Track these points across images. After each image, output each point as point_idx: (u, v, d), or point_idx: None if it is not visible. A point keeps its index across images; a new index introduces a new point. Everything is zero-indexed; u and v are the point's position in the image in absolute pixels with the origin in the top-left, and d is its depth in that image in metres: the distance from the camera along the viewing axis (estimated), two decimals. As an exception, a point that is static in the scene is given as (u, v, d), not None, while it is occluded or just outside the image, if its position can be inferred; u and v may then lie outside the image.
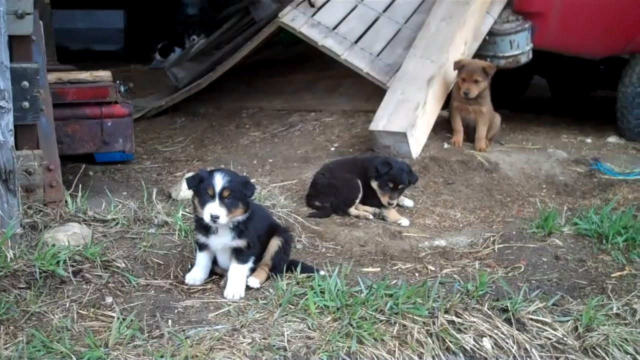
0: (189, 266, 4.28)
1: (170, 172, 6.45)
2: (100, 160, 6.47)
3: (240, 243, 4.02)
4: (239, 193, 3.92)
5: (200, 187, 3.92)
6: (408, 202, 5.77)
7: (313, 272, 4.17)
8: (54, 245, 4.13)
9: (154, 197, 5.20)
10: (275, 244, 4.18)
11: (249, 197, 4.02)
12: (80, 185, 5.07)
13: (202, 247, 4.12)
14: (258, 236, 4.10)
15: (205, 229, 4.04)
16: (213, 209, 3.86)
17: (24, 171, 4.61)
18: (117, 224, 4.67)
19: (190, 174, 4.14)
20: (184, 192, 5.36)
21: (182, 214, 4.82)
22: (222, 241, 4.03)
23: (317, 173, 5.69)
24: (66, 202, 4.77)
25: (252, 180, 5.00)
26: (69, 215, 4.63)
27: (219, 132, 7.84)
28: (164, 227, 4.70)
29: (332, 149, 6.93)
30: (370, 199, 5.51)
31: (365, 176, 5.53)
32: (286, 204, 5.35)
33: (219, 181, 3.87)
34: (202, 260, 4.17)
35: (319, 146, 7.03)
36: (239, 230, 4.01)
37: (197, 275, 4.19)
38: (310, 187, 5.64)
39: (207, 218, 3.88)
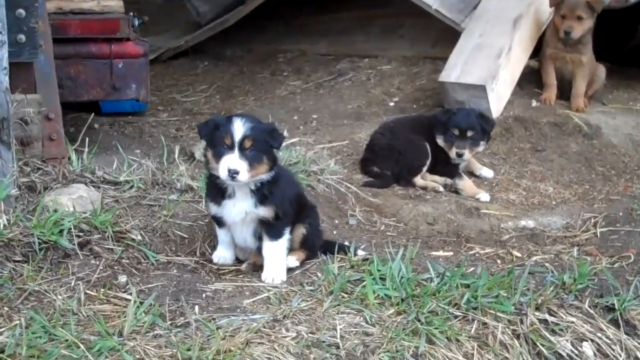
0: (217, 242, 4.29)
1: (191, 127, 6.48)
2: (108, 110, 6.49)
3: (266, 212, 3.98)
4: (263, 143, 3.85)
5: (216, 136, 3.84)
6: (487, 172, 5.74)
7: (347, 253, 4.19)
8: (55, 211, 4.15)
9: (176, 156, 5.22)
10: (299, 232, 4.16)
11: (276, 149, 3.97)
12: (87, 140, 5.10)
13: (220, 221, 4.11)
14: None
15: (219, 192, 3.98)
16: (231, 162, 3.78)
17: (18, 119, 4.63)
18: (131, 187, 4.69)
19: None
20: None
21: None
22: (241, 208, 3.97)
23: (374, 133, 5.68)
24: (69, 159, 4.80)
25: (294, 140, 5.00)
26: (73, 175, 4.65)
27: (251, 80, 7.83)
28: (188, 193, 4.72)
29: (391, 104, 6.88)
30: (442, 165, 5.52)
31: (433, 138, 5.55)
32: (336, 170, 5.35)
33: (239, 128, 3.80)
34: (225, 237, 4.17)
35: (375, 100, 6.99)
36: (261, 194, 3.95)
37: (224, 253, 4.20)
38: (366, 150, 5.64)
39: (223, 173, 3.80)
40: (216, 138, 3.85)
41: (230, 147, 3.81)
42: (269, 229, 4.01)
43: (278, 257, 4.03)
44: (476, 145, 5.52)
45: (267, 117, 6.46)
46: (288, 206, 4.05)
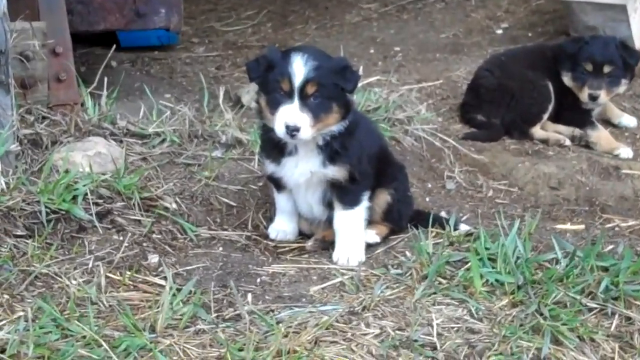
0: (274, 211, 4.31)
1: (236, 65, 6.49)
2: (128, 44, 6.55)
3: (338, 172, 3.98)
4: (332, 87, 3.86)
5: (269, 78, 3.86)
6: (629, 120, 5.70)
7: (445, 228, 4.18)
8: (67, 172, 4.19)
9: (220, 100, 5.23)
10: (383, 199, 4.17)
11: (350, 93, 3.96)
12: (104, 81, 5.13)
13: (278, 184, 4.13)
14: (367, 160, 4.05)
15: (276, 148, 4.00)
16: (290, 115, 3.79)
17: (18, 54, 4.69)
18: (162, 141, 4.73)
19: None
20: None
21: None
22: (306, 168, 3.98)
23: (479, 69, 5.64)
24: (83, 105, 4.84)
25: (373, 79, 4.98)
26: (88, 125, 4.70)
27: (312, 3, 7.82)
28: (236, 148, 4.75)
29: (499, 31, 6.85)
30: (569, 111, 5.47)
31: (557, 75, 5.51)
32: (428, 118, 5.32)
33: (299, 68, 3.81)
34: (285, 204, 4.19)
35: (477, 27, 6.95)
36: (332, 150, 3.95)
37: (283, 226, 4.22)
38: (468, 93, 5.62)
39: (280, 129, 3.82)
40: (270, 81, 3.85)
41: (289, 95, 3.80)
42: (342, 194, 4.02)
43: (354, 230, 4.03)
44: (615, 85, 5.45)
45: (335, 51, 6.43)
46: (366, 165, 4.04)
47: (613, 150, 5.35)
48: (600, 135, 5.44)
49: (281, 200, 4.17)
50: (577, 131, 5.47)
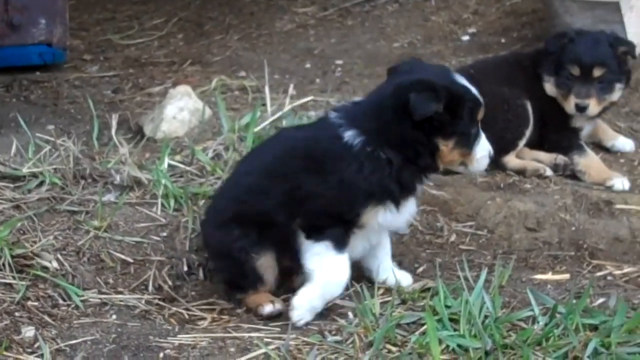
0: (186, 267, 4.33)
1: (138, 87, 6.53)
2: (1, 64, 6.50)
3: None
4: None
5: None
6: (625, 143, 5.72)
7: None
8: None
9: (113, 132, 5.23)
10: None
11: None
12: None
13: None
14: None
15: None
16: None
17: None
18: (41, 183, 4.72)
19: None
20: (170, 123, 5.45)
21: (170, 165, 4.91)
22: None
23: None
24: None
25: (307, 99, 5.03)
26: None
27: (234, 8, 7.88)
28: (134, 190, 4.75)
29: (465, 38, 6.93)
30: (552, 131, 5.52)
31: (539, 89, 5.53)
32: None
33: None
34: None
35: (438, 33, 7.02)
36: None
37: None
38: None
39: None
40: None
41: None
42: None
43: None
44: (608, 92, 5.46)
45: (261, 66, 6.47)
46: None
47: (605, 180, 5.33)
48: (589, 163, 5.43)
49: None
50: (561, 158, 5.45)
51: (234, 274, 4.24)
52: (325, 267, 4.12)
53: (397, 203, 4.16)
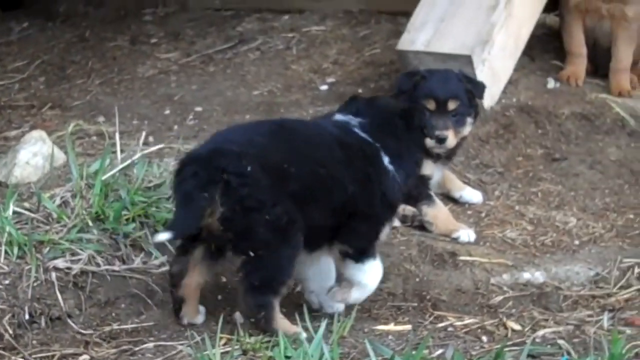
0: (28, 316, 4.31)
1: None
2: None
3: None
4: None
5: None
6: (472, 195, 5.81)
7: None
8: None
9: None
10: None
11: None
12: None
13: None
14: None
15: None
16: None
17: None
18: None
19: None
20: (23, 168, 5.43)
21: (16, 212, 4.86)
22: None
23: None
24: None
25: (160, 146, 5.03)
26: None
27: (98, 52, 7.85)
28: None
29: (324, 87, 6.95)
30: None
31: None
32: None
33: None
34: None
35: (298, 82, 7.04)
36: None
37: None
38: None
39: None
40: None
41: None
42: None
43: None
44: (462, 125, 5.57)
45: (121, 112, 6.43)
46: None
47: (452, 232, 5.41)
48: (437, 214, 5.49)
49: None
50: (409, 209, 5.50)
51: None
52: (372, 276, 4.59)
53: None
